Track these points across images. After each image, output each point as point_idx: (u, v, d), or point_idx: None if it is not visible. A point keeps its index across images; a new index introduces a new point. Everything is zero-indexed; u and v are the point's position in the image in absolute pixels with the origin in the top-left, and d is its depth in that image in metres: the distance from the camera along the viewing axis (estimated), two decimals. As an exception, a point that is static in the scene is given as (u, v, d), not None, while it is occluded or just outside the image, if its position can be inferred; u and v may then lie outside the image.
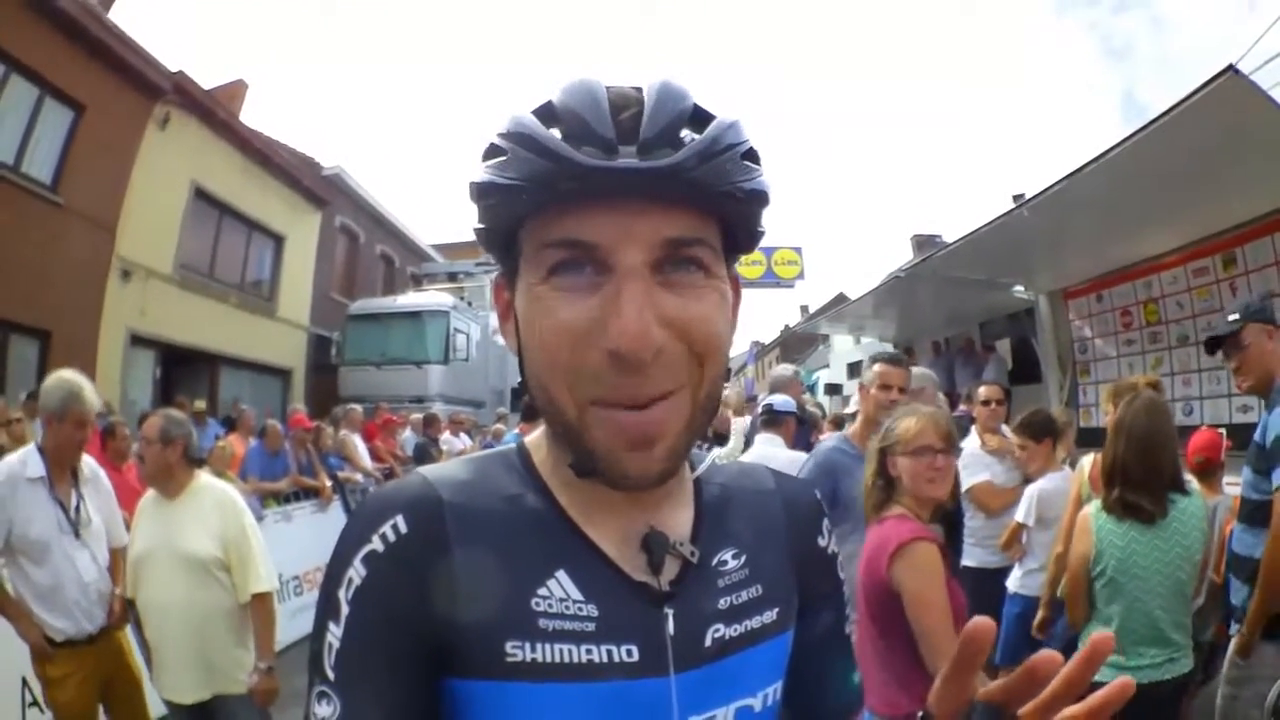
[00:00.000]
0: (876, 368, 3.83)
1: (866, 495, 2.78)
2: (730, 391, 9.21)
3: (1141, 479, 2.92)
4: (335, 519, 9.03)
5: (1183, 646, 2.91)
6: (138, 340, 12.86)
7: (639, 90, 0.75)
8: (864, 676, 2.69)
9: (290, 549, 7.73)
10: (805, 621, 0.96)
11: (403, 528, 0.78)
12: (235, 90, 17.41)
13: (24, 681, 3.90)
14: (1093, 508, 3.05)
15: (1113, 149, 5.40)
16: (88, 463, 3.78)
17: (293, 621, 6.94)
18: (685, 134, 0.73)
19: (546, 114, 0.74)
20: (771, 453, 4.59)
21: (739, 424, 6.58)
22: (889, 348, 15.00)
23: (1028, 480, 4.74)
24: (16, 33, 10.19)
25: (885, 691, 2.57)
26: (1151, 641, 2.86)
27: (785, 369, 6.14)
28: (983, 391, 5.61)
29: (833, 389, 18.43)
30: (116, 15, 12.68)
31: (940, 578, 2.48)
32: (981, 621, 0.62)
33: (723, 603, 0.86)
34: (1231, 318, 3.30)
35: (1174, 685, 2.88)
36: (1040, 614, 3.95)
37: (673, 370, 0.74)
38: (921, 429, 2.65)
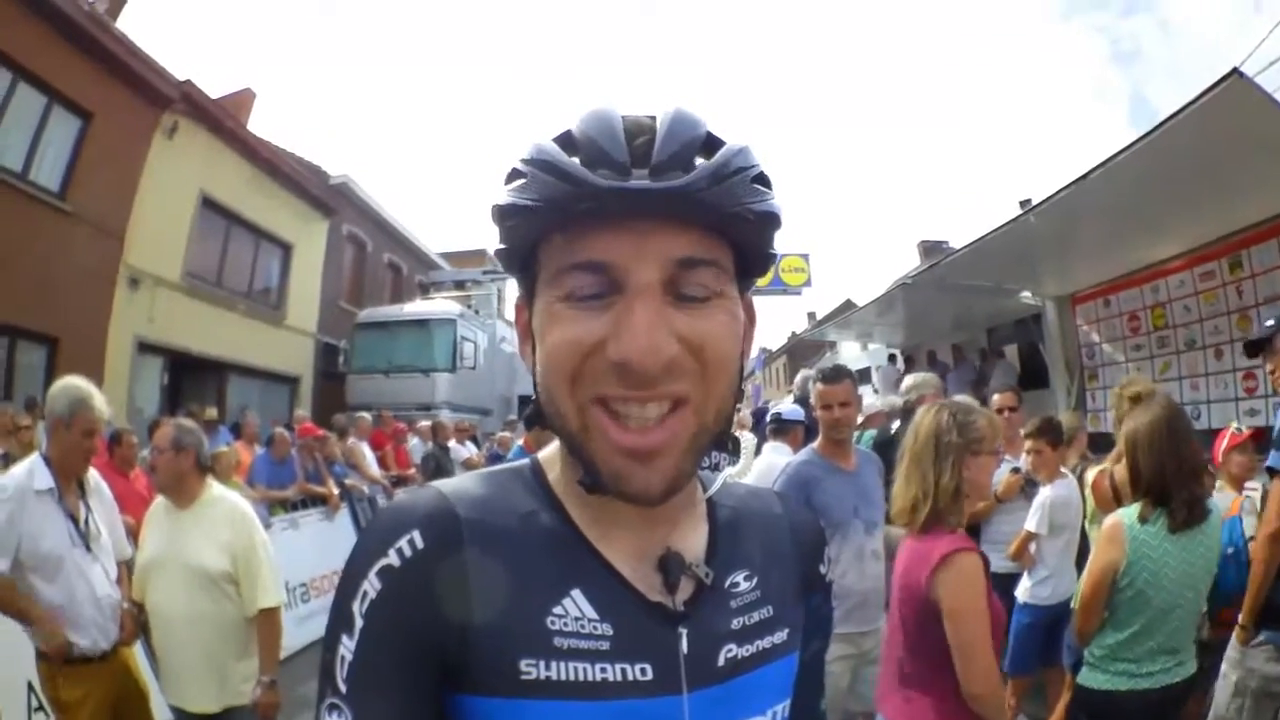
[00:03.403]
0: (815, 387, 3.92)
1: (940, 497, 2.53)
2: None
3: (1191, 480, 2.86)
4: (343, 527, 9.08)
5: (1190, 652, 2.91)
6: (145, 348, 12.86)
7: (653, 119, 0.77)
8: (890, 695, 2.60)
9: (298, 556, 7.77)
10: (801, 648, 0.98)
11: (419, 543, 0.78)
12: (243, 99, 17.47)
13: (29, 686, 3.89)
14: (1127, 517, 2.92)
15: (1118, 154, 5.41)
16: (91, 473, 3.70)
17: (300, 628, 6.95)
18: (698, 160, 0.75)
19: (566, 142, 0.76)
20: (779, 460, 4.63)
21: (749, 441, 6.58)
22: (896, 353, 15.08)
23: (1031, 483, 4.70)
24: (24, 41, 10.23)
25: (908, 708, 2.51)
26: (1166, 651, 2.84)
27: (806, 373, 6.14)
28: (996, 400, 5.50)
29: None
30: (124, 24, 12.77)
31: (984, 590, 2.40)
32: None
33: (735, 623, 0.87)
34: (1268, 323, 3.39)
35: (1182, 686, 2.86)
36: None
37: (682, 379, 0.75)
38: (998, 429, 2.63)
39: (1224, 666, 3.31)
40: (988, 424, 2.61)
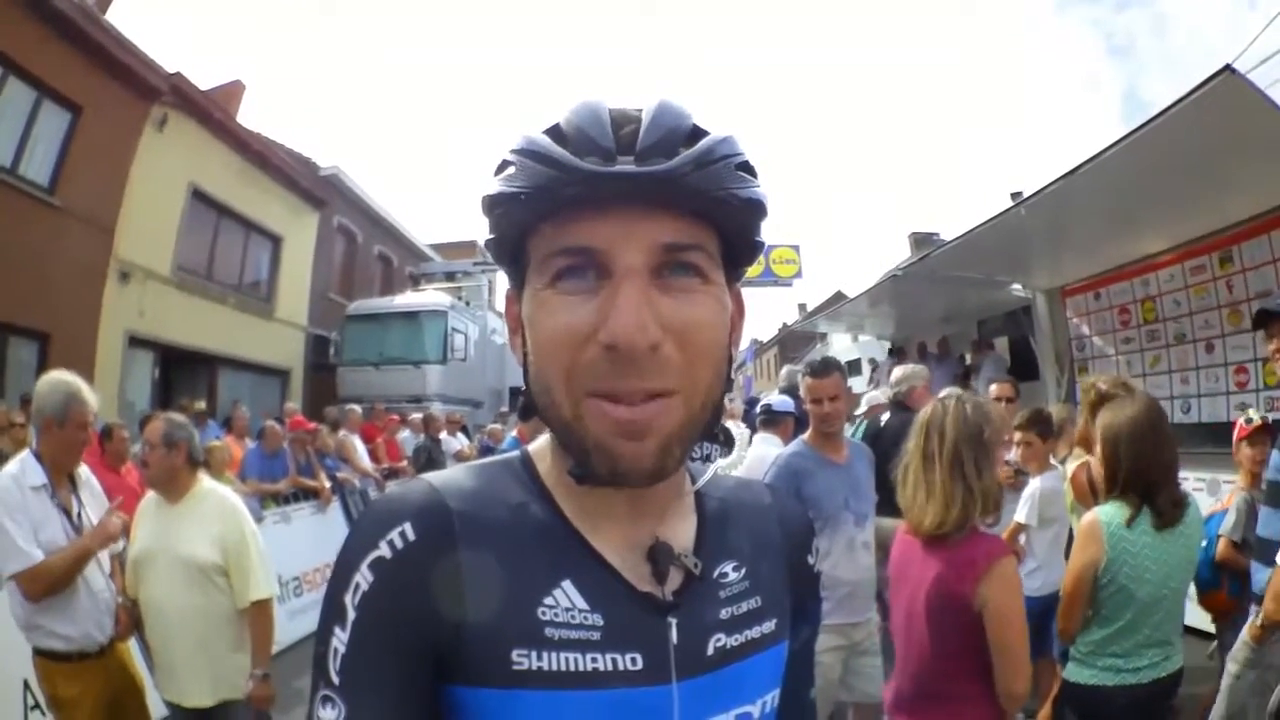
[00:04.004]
0: (805, 381, 3.91)
1: (988, 497, 2.45)
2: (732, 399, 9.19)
3: (1174, 477, 2.84)
4: (334, 520, 9.08)
5: (1177, 645, 2.88)
6: (136, 342, 12.81)
7: (640, 110, 0.78)
8: (912, 694, 2.53)
9: (290, 550, 7.77)
10: (790, 638, 0.98)
11: (411, 535, 0.78)
12: (232, 91, 17.39)
13: (25, 684, 3.89)
14: (1104, 515, 2.89)
15: (1110, 148, 5.42)
16: (81, 467, 3.69)
17: (292, 622, 6.96)
18: (683, 148, 0.76)
19: (555, 134, 0.77)
20: (769, 452, 4.63)
21: (742, 433, 6.58)
22: (886, 345, 15.11)
23: (1021, 474, 4.71)
24: (13, 34, 10.16)
25: (933, 716, 2.48)
26: (1152, 645, 2.81)
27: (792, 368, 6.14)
28: (994, 389, 5.55)
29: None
30: (113, 16, 12.67)
31: (1021, 590, 2.40)
32: None
33: (724, 613, 0.87)
34: None
35: (1171, 680, 2.84)
36: None
37: (667, 371, 0.75)
38: (1003, 415, 2.50)
39: (1232, 667, 3.23)
40: (997, 412, 2.58)
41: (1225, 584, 4.04)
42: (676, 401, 0.77)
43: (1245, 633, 3.20)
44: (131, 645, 3.73)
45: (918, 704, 2.54)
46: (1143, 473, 2.83)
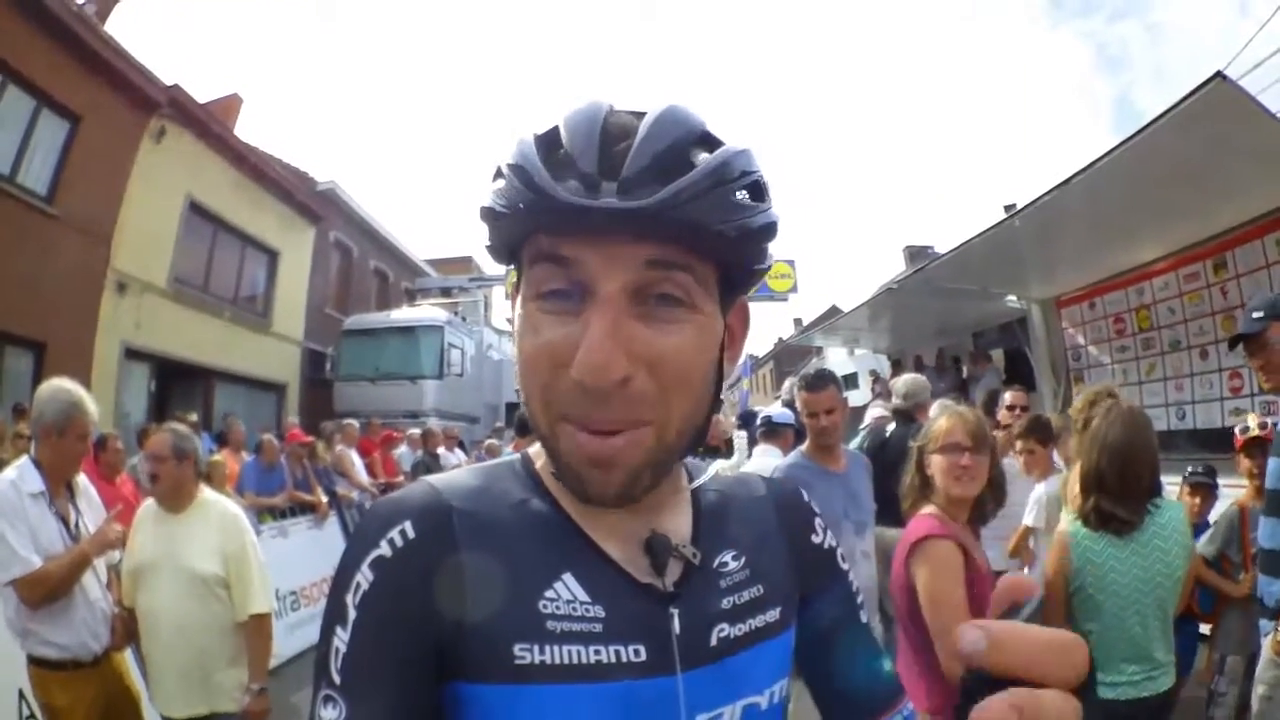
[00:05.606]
0: (800, 395, 3.97)
1: (906, 494, 2.86)
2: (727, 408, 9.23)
3: (1118, 490, 2.82)
4: (332, 534, 9.03)
5: (1163, 664, 2.81)
6: (132, 353, 12.77)
7: (641, 118, 0.76)
8: (902, 658, 2.68)
9: (287, 564, 7.70)
10: (815, 617, 0.98)
11: (410, 533, 0.79)
12: (230, 104, 17.39)
13: (20, 694, 3.86)
14: (1069, 525, 2.95)
15: (1102, 157, 5.45)
16: (79, 476, 3.66)
17: (290, 637, 6.92)
18: (686, 159, 0.74)
19: (551, 140, 0.76)
20: (769, 464, 4.62)
21: (741, 439, 6.59)
22: (882, 358, 15.11)
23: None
24: (13, 43, 10.16)
25: (909, 675, 2.58)
26: (1131, 658, 2.77)
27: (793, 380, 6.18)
28: (1009, 397, 5.75)
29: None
30: (113, 27, 12.68)
31: (955, 576, 2.49)
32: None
33: (726, 602, 0.87)
34: (1256, 315, 3.06)
35: (1155, 703, 2.79)
36: None
37: (639, 403, 0.75)
38: (951, 427, 2.71)
39: (1261, 689, 3.14)
40: (940, 423, 2.78)
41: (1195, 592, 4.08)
42: (647, 432, 0.77)
43: (1267, 649, 3.13)
44: (128, 655, 3.71)
45: (901, 664, 2.65)
46: (1087, 480, 2.90)
